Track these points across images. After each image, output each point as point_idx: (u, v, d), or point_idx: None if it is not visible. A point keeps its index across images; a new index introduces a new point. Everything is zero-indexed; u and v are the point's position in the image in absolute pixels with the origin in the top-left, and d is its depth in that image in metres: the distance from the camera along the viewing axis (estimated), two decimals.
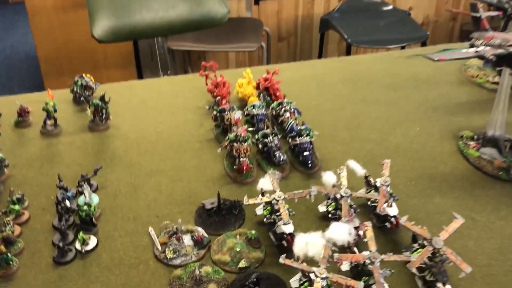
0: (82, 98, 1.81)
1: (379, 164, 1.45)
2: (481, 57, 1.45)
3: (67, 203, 1.34)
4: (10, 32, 5.29)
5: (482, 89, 1.94)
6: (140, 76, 3.99)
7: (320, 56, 4.40)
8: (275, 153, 1.51)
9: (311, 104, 1.88)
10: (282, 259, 1.06)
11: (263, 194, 1.29)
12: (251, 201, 1.26)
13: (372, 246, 1.10)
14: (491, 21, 1.80)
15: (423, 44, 3.83)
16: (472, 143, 1.61)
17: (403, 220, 1.16)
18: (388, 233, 1.30)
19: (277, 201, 1.24)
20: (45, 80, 3.86)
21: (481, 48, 1.51)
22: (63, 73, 3.98)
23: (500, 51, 1.44)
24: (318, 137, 1.62)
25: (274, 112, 1.69)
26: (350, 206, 1.28)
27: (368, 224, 1.15)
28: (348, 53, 3.91)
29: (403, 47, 3.81)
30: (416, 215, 1.36)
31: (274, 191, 1.27)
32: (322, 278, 1.02)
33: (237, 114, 1.59)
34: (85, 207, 1.29)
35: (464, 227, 1.29)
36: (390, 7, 4.28)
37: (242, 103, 1.83)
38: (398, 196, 1.37)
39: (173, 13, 2.90)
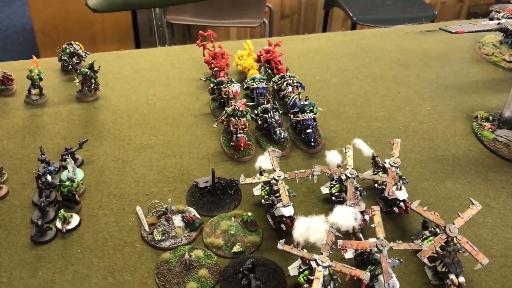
0: (70, 67, 1.69)
1: (387, 143, 1.35)
2: (503, 30, 1.33)
3: (48, 177, 1.23)
4: (7, 3, 5.12)
5: (497, 67, 1.82)
6: None
7: None
8: (276, 129, 1.40)
9: (315, 78, 1.76)
10: (280, 245, 0.96)
11: (261, 173, 1.19)
12: (248, 181, 1.15)
13: (381, 232, 1.00)
14: None
15: None
16: (487, 124, 1.50)
17: (414, 205, 1.05)
18: (396, 219, 1.20)
19: (277, 181, 1.14)
20: (41, 53, 3.74)
21: (503, 20, 1.39)
22: (60, 45, 3.84)
23: None
24: (322, 114, 1.51)
25: (275, 86, 1.58)
26: (356, 188, 1.17)
27: (377, 209, 1.04)
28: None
29: None
30: (426, 199, 1.26)
31: (273, 170, 1.17)
32: (324, 267, 0.92)
33: (235, 87, 1.47)
34: (68, 183, 1.18)
35: (478, 214, 1.19)
36: None
37: (242, 76, 1.71)
38: (409, 179, 1.26)
39: None
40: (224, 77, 1.58)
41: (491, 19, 1.52)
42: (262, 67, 1.69)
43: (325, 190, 1.24)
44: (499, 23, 1.36)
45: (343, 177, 1.16)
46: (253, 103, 1.54)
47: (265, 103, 1.50)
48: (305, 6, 4.45)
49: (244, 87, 1.58)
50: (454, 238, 1.00)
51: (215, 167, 1.33)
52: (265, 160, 1.21)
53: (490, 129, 1.48)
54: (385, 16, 3.80)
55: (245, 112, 1.40)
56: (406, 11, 3.84)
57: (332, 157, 1.25)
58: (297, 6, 4.45)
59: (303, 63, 1.84)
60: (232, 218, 1.17)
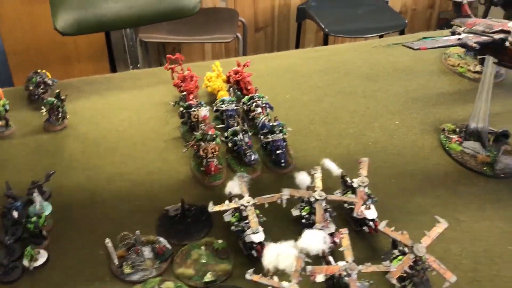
0: (36, 96, 1.67)
1: (357, 161, 1.35)
2: (463, 45, 1.35)
3: (15, 214, 1.21)
4: None
5: (463, 78, 1.86)
6: (113, 69, 3.84)
7: (297, 46, 4.30)
8: (246, 152, 1.40)
9: (285, 97, 1.77)
10: (249, 275, 0.95)
11: (230, 199, 1.18)
12: (217, 208, 1.15)
13: (349, 256, 1.00)
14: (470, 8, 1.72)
15: (402, 32, 3.75)
16: (454, 137, 1.52)
17: (382, 226, 1.06)
18: (367, 238, 1.21)
19: (246, 207, 1.14)
20: (13, 75, 3.69)
21: (463, 35, 1.41)
22: (33, 67, 3.79)
23: (483, 38, 1.35)
24: (293, 133, 1.51)
25: (245, 108, 1.58)
26: (326, 210, 1.18)
27: (344, 232, 1.05)
28: (325, 43, 3.81)
29: (381, 36, 3.74)
30: (396, 216, 1.27)
31: (242, 196, 1.17)
32: None
33: (204, 111, 1.47)
34: (34, 219, 1.16)
35: (447, 229, 1.20)
36: None
37: (212, 98, 1.71)
38: (377, 196, 1.27)
39: (142, 2, 2.76)
40: (194, 100, 1.57)
41: (453, 33, 1.54)
42: (231, 89, 1.69)
43: (296, 212, 1.24)
44: (459, 39, 1.38)
45: (312, 199, 1.16)
46: (223, 126, 1.53)
47: (235, 125, 1.50)
48: (278, 18, 4.49)
49: (214, 110, 1.58)
50: (422, 257, 1.01)
51: (186, 193, 1.32)
52: (235, 185, 1.21)
53: (457, 141, 1.50)
54: (357, 27, 3.86)
55: (214, 136, 1.40)
56: (377, 21, 3.90)
57: (301, 178, 1.25)
58: (271, 19, 4.49)
59: (273, 82, 1.85)
60: (203, 246, 1.16)
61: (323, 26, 3.73)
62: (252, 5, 4.35)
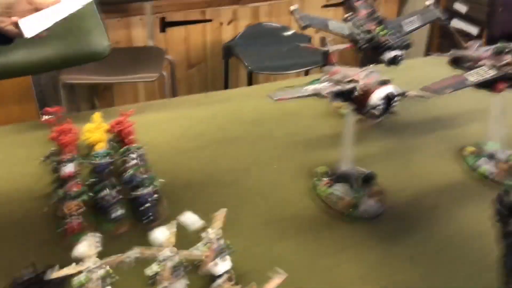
0: None
1: (231, 210, 1.37)
2: (318, 94, 1.41)
3: None
4: None
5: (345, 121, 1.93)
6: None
7: (226, 84, 4.37)
8: (110, 208, 1.39)
9: (170, 145, 1.78)
10: None
11: (77, 262, 1.16)
12: (60, 273, 1.12)
13: None
14: None
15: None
16: (325, 180, 1.57)
17: (217, 283, 1.07)
18: None
19: (91, 270, 1.12)
20: None
21: (322, 84, 1.48)
22: None
23: (336, 88, 1.41)
24: (169, 183, 1.52)
25: (120, 161, 1.57)
26: (179, 265, 1.17)
27: None
28: (250, 80, 3.90)
29: (307, 72, 3.87)
30: (256, 265, 1.28)
31: (90, 257, 1.14)
32: None
33: (68, 167, 1.45)
34: None
35: (305, 275, 1.24)
36: (291, 32, 4.35)
37: (90, 151, 1.69)
38: (241, 246, 1.28)
39: (49, 49, 2.73)
40: (68, 154, 1.55)
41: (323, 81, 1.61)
42: (108, 141, 1.68)
43: (149, 271, 1.23)
44: (314, 88, 1.45)
45: (162, 257, 1.16)
46: (95, 180, 1.52)
47: (107, 180, 1.49)
48: (210, 55, 4.57)
49: (89, 163, 1.56)
50: None
51: (45, 255, 1.28)
52: (84, 246, 1.18)
53: (327, 184, 1.55)
54: (280, 64, 3.98)
55: (79, 193, 1.38)
56: (300, 57, 4.03)
57: (157, 235, 1.24)
58: (203, 55, 4.56)
59: (160, 130, 1.86)
60: None
61: (246, 64, 3.82)
62: (183, 42, 4.41)
